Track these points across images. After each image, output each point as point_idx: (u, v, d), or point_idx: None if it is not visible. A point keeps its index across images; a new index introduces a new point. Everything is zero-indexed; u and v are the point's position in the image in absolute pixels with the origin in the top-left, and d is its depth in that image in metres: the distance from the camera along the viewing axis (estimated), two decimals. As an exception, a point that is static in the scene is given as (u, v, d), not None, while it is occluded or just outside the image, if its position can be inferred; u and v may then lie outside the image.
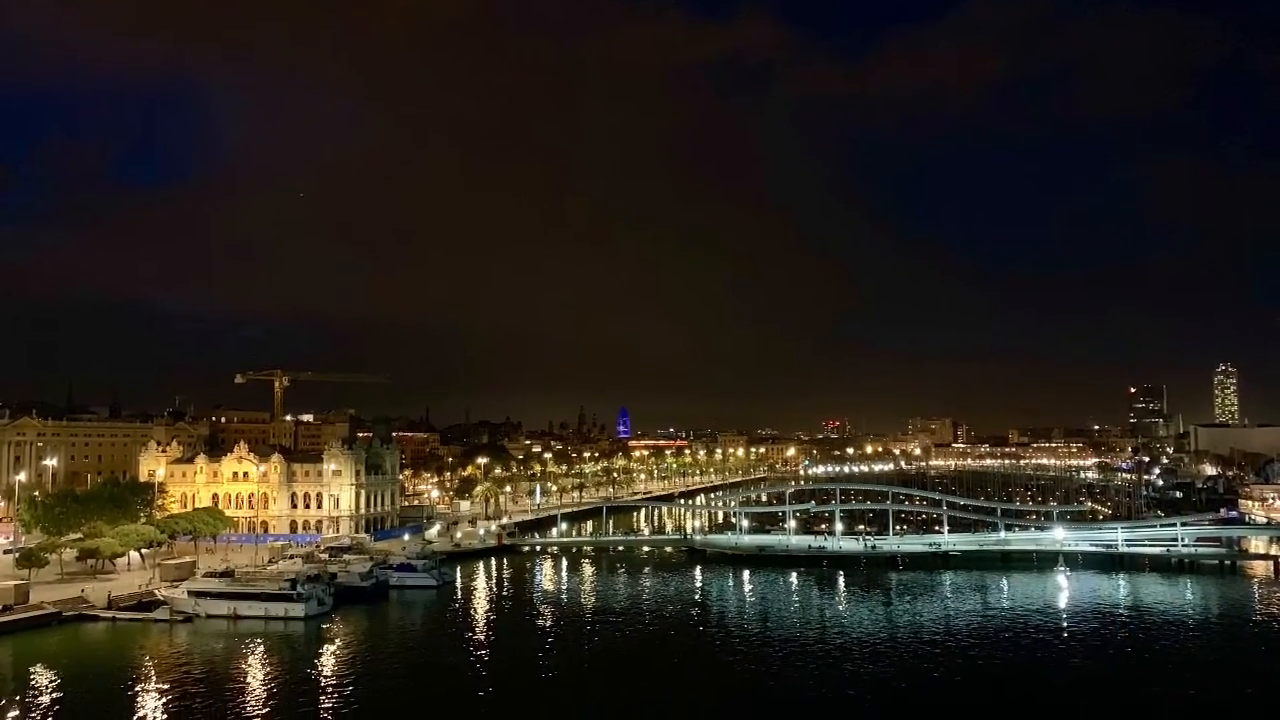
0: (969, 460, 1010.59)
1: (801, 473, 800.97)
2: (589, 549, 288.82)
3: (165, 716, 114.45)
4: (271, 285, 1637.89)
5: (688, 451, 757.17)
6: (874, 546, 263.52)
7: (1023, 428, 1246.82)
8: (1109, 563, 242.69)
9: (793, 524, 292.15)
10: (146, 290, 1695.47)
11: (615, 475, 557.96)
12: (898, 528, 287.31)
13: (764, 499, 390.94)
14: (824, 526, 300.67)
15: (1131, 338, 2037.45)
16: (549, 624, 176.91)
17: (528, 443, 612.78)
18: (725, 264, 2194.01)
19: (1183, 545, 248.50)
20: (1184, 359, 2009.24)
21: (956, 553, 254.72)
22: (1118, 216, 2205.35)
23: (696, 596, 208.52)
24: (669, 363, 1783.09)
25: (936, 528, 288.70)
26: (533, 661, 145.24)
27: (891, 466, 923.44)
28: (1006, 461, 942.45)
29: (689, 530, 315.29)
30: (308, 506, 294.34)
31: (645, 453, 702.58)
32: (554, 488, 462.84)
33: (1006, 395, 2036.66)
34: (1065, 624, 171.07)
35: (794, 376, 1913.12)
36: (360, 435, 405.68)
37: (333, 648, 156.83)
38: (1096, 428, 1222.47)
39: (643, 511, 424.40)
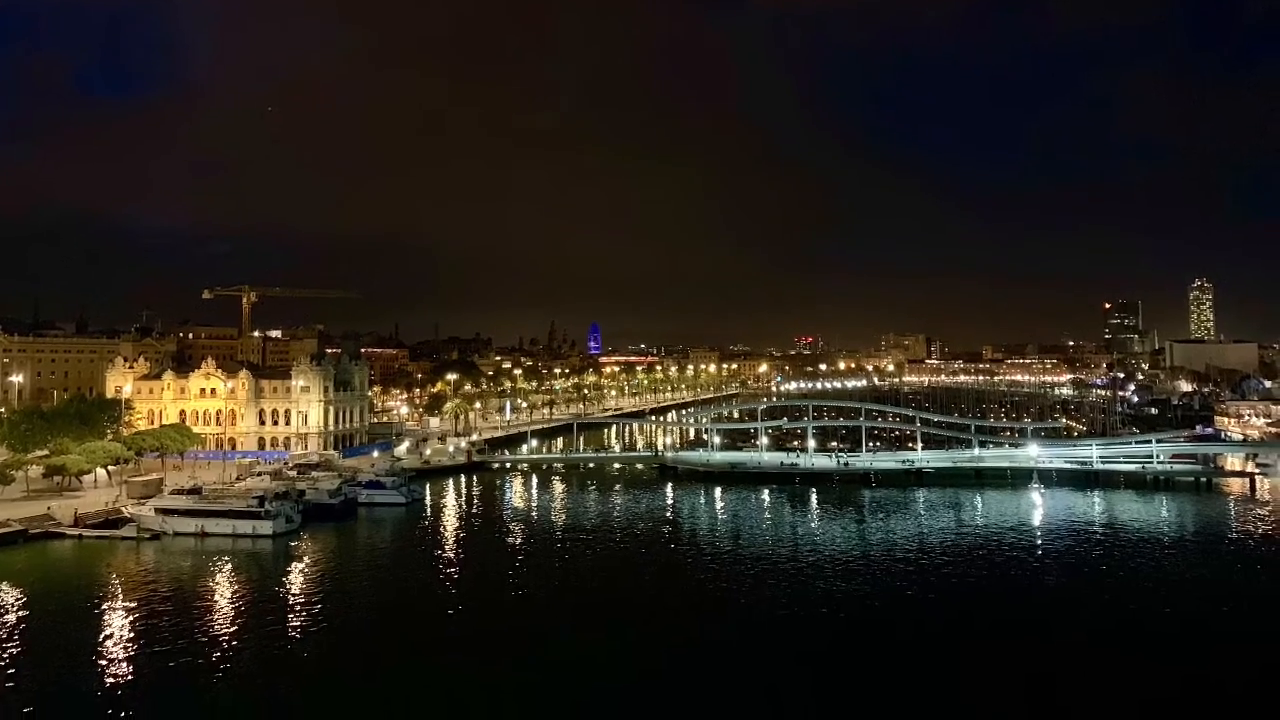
0: (943, 377, 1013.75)
1: (774, 389, 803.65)
2: (559, 466, 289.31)
3: (132, 634, 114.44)
4: (239, 200, 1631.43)
5: (659, 368, 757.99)
6: (847, 464, 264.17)
7: (997, 344, 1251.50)
8: (1083, 480, 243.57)
9: (765, 441, 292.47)
10: (113, 205, 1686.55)
11: (586, 392, 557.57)
12: (871, 445, 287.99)
13: (736, 416, 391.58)
14: (796, 444, 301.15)
15: (1107, 253, 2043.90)
16: (519, 541, 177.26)
17: (498, 359, 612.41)
18: (698, 180, 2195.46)
19: (1158, 462, 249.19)
20: (1159, 274, 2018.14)
21: (930, 470, 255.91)
22: (1093, 131, 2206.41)
23: (668, 514, 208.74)
24: (640, 278, 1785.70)
25: (910, 445, 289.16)
26: (502, 579, 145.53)
27: (865, 383, 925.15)
28: (980, 378, 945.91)
29: (660, 447, 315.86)
30: (276, 423, 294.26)
31: (616, 369, 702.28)
32: (524, 404, 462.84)
33: (981, 311, 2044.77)
34: (1039, 541, 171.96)
35: (767, 292, 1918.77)
36: (329, 351, 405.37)
37: (301, 565, 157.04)
38: (1071, 344, 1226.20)
39: (614, 428, 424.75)
